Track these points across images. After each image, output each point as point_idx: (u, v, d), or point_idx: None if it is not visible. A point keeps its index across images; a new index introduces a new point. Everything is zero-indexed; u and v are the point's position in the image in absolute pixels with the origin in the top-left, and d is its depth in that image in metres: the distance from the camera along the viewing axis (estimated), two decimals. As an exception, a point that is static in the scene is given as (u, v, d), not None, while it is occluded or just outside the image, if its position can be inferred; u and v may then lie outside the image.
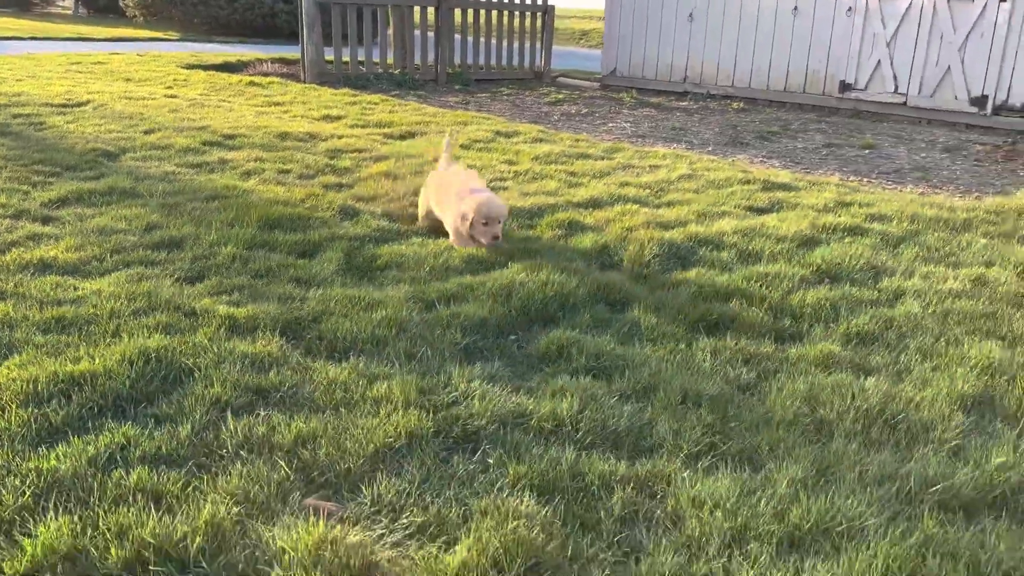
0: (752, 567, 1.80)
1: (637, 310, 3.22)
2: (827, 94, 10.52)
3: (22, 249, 3.67)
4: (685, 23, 11.72)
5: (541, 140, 6.96)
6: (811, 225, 4.27)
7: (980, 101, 9.34)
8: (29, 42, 15.06)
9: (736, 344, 2.92)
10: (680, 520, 2.00)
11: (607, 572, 1.82)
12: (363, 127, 7.18)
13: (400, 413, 2.41)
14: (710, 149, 7.33)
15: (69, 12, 26.35)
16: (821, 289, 3.41)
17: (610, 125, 8.71)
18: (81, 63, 11.12)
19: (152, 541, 1.84)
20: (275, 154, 5.74)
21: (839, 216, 4.46)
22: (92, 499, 1.99)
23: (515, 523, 1.91)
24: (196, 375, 2.58)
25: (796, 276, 3.54)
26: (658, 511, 2.04)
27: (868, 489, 2.08)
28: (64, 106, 7.46)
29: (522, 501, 2.02)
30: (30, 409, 2.35)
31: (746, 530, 1.92)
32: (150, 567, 1.79)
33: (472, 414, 2.43)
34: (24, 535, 1.86)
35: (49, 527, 1.86)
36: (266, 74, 11.19)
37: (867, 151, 7.66)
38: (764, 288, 3.42)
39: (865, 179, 6.24)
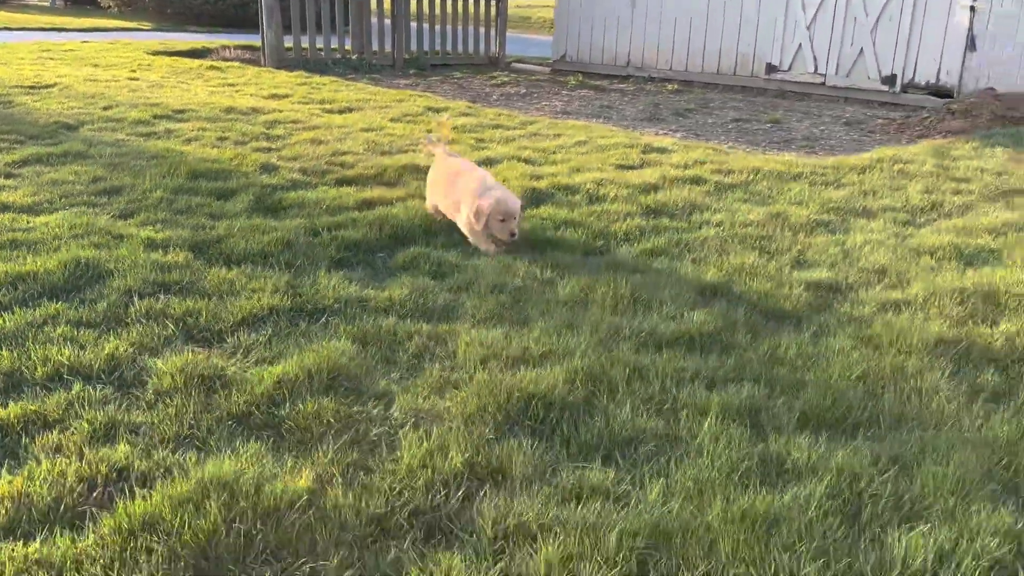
0: (487, 373, 2.62)
1: (485, 235, 4.03)
2: (755, 75, 11.37)
3: (-15, 195, 4.46)
4: (628, 10, 12.54)
5: (466, 114, 7.77)
6: (661, 177, 5.11)
7: (890, 80, 10.20)
8: (3, 32, 15.74)
9: (552, 256, 3.75)
10: (454, 354, 2.82)
11: (388, 380, 2.65)
12: (306, 103, 7.98)
13: (268, 296, 3.22)
14: (626, 124, 8.14)
15: (47, 4, 26.93)
16: (636, 219, 4.24)
17: (543, 104, 9.52)
18: (52, 51, 11.85)
19: (68, 363, 2.65)
20: (217, 124, 6.54)
21: (688, 170, 5.30)
22: (27, 343, 2.80)
23: (330, 352, 2.73)
24: (115, 274, 3.39)
25: (623, 212, 4.38)
26: (441, 350, 2.86)
27: (593, 334, 2.91)
28: (32, 88, 8.21)
29: (342, 343, 2.84)
30: (-15, 294, 3.15)
31: (494, 356, 2.75)
32: (65, 378, 2.60)
33: (324, 297, 3.25)
34: (-24, 362, 2.66)
35: (-6, 356, 2.67)
36: (228, 60, 11.95)
37: (771, 125, 8.50)
38: (594, 219, 4.25)
39: (753, 147, 7.07)
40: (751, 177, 5.23)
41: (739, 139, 7.53)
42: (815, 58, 10.76)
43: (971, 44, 9.55)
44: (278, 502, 1.98)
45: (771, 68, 11.19)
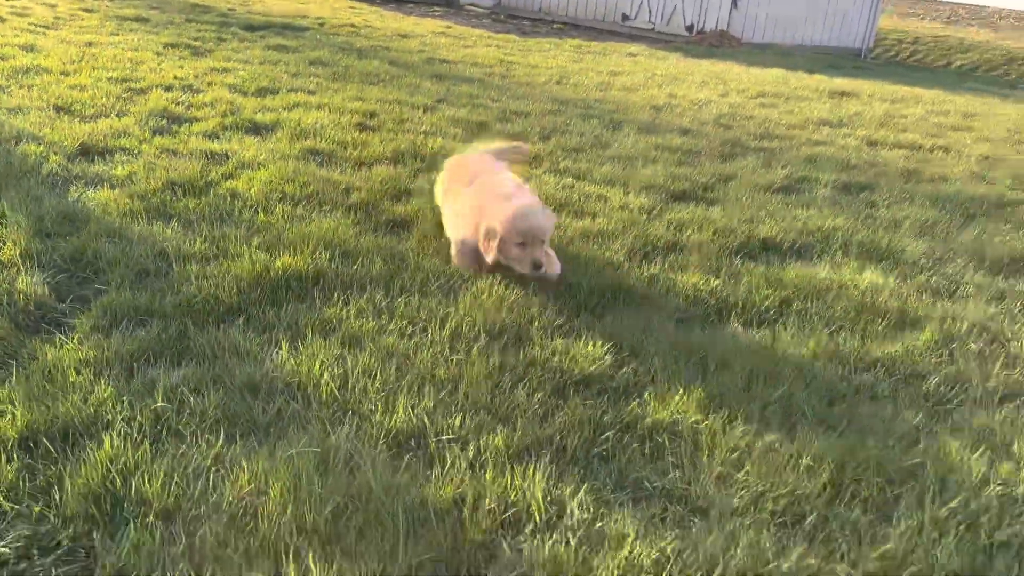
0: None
1: (309, 33, 10.58)
2: (615, 22, 17.66)
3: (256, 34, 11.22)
4: (542, -30, 18.96)
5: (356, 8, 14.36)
6: (426, 31, 11.59)
7: (690, 28, 16.39)
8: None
9: (293, 32, 10.27)
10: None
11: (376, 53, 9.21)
12: None
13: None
14: (467, 25, 14.55)
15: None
16: (377, 39, 10.75)
17: (434, 19, 16.02)
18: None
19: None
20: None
21: (438, 31, 11.77)
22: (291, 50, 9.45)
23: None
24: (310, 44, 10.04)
25: (374, 34, 10.89)
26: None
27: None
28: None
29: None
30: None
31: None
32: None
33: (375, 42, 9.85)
34: None
35: None
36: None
37: (569, 42, 14.79)
38: (334, 29, 10.77)
39: (519, 38, 13.40)
40: (467, 37, 11.66)
41: (516, 35, 13.88)
42: (650, 11, 17.02)
43: (735, 3, 15.70)
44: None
45: (624, 17, 17.48)
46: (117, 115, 5.40)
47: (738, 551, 1.91)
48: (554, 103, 7.35)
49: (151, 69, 6.98)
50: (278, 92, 6.60)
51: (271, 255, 3.28)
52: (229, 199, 3.98)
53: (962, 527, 2.05)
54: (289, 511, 1.92)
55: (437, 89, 7.44)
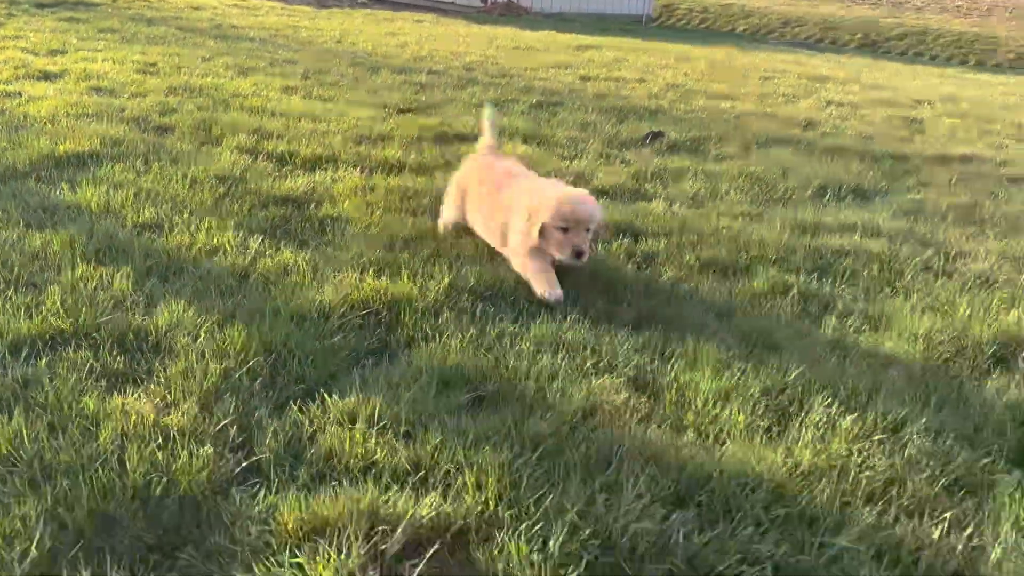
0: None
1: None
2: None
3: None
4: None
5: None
6: (220, 6, 12.53)
7: (484, 1, 18.02)
8: None
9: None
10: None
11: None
12: None
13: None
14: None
15: None
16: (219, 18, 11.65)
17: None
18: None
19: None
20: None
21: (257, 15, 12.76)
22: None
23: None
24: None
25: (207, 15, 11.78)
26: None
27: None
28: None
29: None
30: None
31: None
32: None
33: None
34: None
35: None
36: None
37: (361, 11, 16.02)
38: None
39: (315, 10, 14.51)
40: (260, 8, 12.70)
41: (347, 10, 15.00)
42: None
43: (520, -24, 17.45)
44: None
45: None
46: (-88, 69, 6.27)
47: (349, 255, 3.33)
48: (326, 54, 8.64)
49: (-58, 37, 7.73)
50: (67, 52, 7.53)
51: (56, 144, 4.45)
52: (22, 117, 5.07)
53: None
54: (67, 252, 3.17)
55: (219, 46, 8.55)
